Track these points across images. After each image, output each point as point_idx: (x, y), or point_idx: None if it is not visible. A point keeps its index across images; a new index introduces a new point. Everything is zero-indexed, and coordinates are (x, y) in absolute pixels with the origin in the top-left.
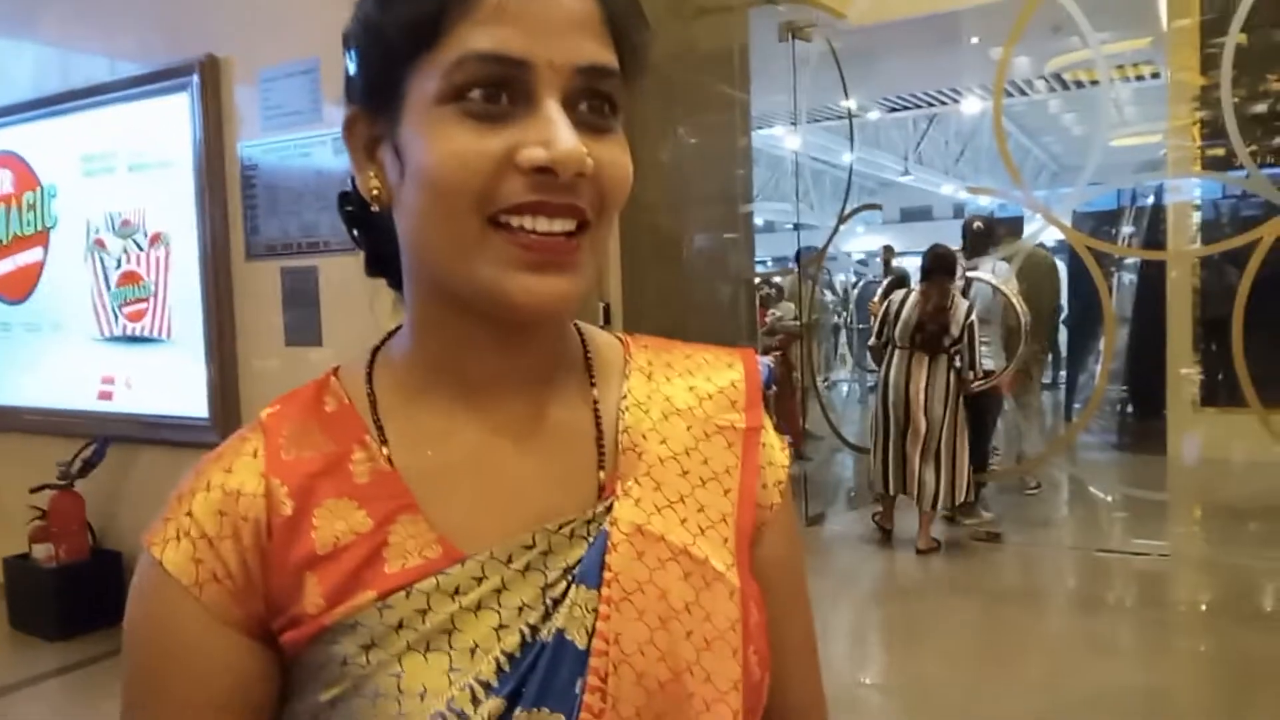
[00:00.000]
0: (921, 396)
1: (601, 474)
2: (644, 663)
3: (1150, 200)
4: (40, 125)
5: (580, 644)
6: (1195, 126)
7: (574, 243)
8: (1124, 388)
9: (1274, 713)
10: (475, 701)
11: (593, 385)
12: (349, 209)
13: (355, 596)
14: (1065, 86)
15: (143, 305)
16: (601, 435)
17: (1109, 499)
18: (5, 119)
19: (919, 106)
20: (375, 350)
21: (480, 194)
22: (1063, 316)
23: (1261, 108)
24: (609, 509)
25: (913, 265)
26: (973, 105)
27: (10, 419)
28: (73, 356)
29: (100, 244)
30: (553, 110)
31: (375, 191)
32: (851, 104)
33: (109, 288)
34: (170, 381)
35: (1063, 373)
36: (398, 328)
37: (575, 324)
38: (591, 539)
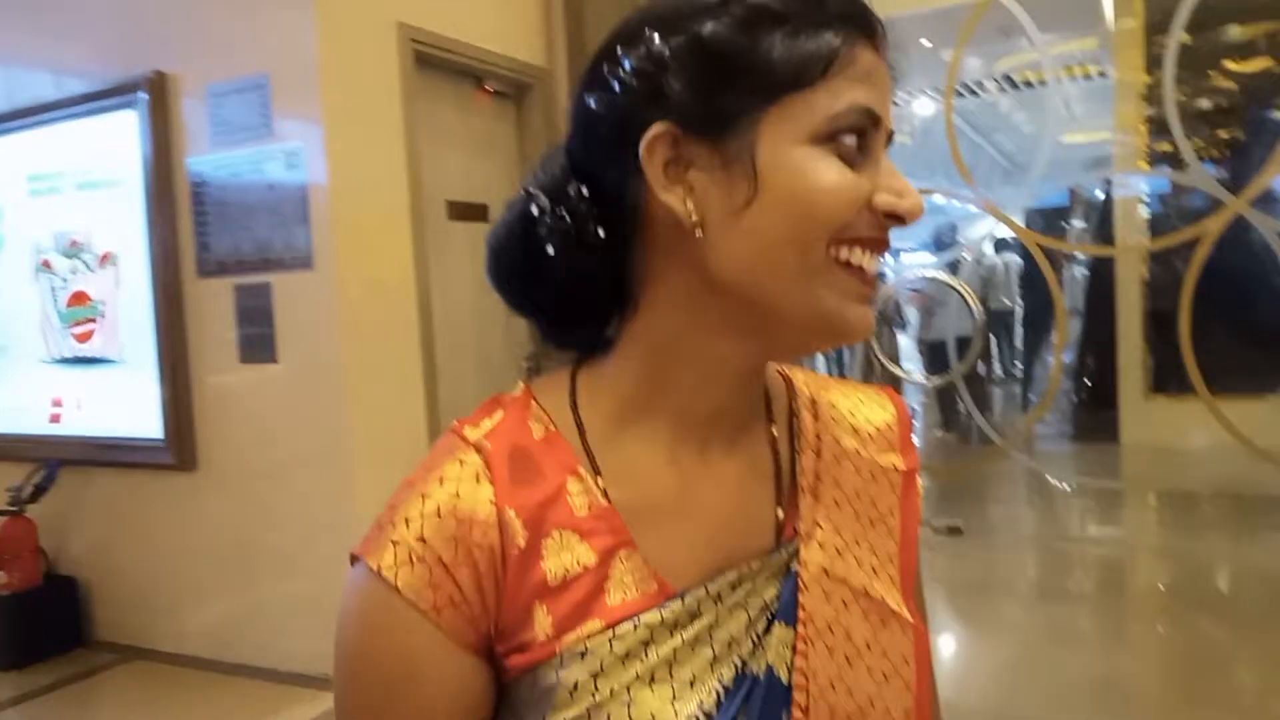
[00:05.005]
0: None
1: (779, 512)
2: (835, 697)
3: (1100, 196)
4: None
5: (784, 679)
6: (1142, 124)
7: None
8: (1079, 378)
9: (1229, 694)
10: None
11: (771, 423)
12: (512, 268)
13: (582, 625)
14: (1015, 86)
15: (91, 325)
16: (779, 473)
17: (1066, 488)
18: None
19: None
20: (572, 376)
21: (842, 224)
22: None
23: (1206, 104)
24: (795, 550)
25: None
26: (925, 106)
27: None
28: (21, 380)
29: (47, 265)
30: (892, 165)
31: (690, 214)
32: None
33: (57, 309)
34: (122, 402)
35: (1018, 364)
36: (582, 358)
37: None
38: (780, 578)
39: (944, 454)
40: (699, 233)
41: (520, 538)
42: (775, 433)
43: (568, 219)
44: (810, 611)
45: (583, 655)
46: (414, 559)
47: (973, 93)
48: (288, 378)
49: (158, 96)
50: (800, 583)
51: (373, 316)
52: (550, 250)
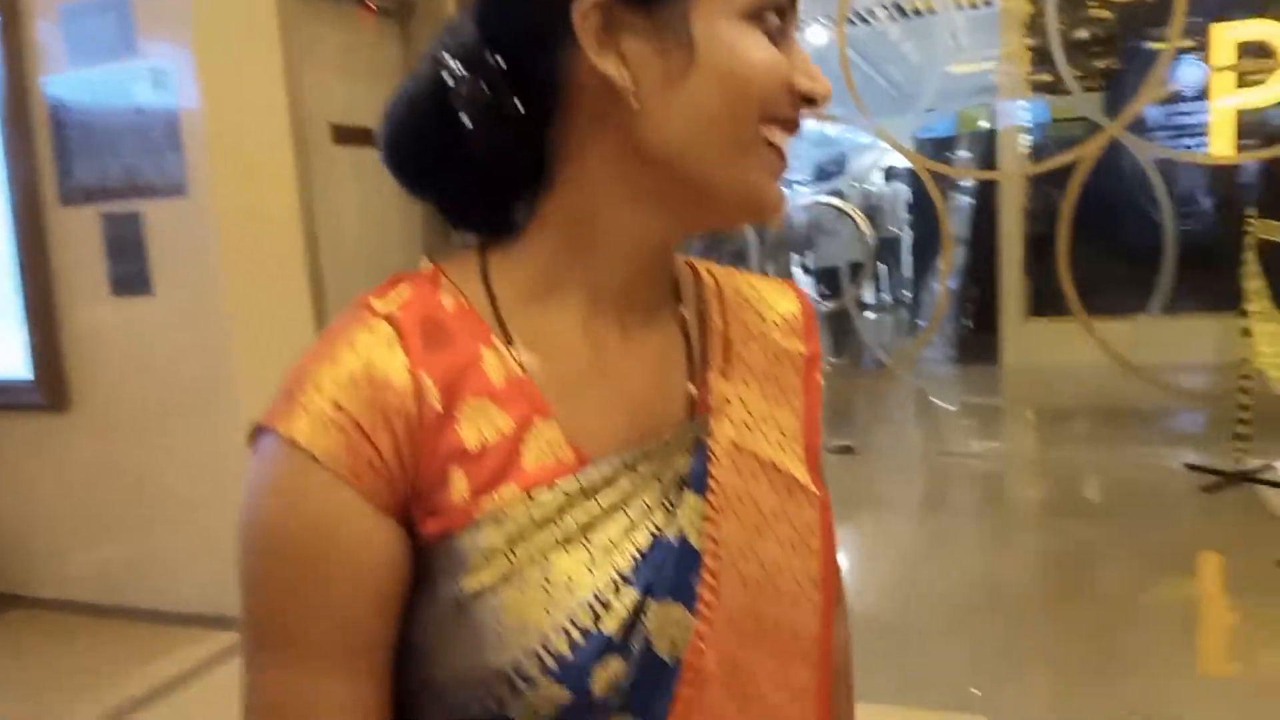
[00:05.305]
0: None
1: (691, 387)
2: (745, 564)
3: (985, 127)
4: None
5: (695, 545)
6: (1026, 53)
7: None
8: (963, 303)
9: (1099, 593)
10: (616, 592)
11: (679, 303)
12: (417, 150)
13: (498, 490)
14: (905, 15)
15: None
16: (690, 350)
17: (950, 407)
18: None
19: None
20: (481, 254)
21: (772, 101)
22: None
23: (1084, 34)
24: (707, 424)
25: None
26: (819, 35)
27: None
28: None
29: None
30: (803, 49)
31: (626, 82)
32: None
33: None
34: None
35: (906, 291)
36: (489, 240)
37: None
38: (692, 450)
39: (836, 377)
40: (634, 103)
41: (436, 402)
42: (685, 315)
43: (486, 90)
44: (721, 482)
45: (499, 521)
46: (330, 425)
47: (865, 21)
48: (165, 311)
49: (9, 15)
50: (711, 454)
51: (255, 246)
52: (468, 123)
